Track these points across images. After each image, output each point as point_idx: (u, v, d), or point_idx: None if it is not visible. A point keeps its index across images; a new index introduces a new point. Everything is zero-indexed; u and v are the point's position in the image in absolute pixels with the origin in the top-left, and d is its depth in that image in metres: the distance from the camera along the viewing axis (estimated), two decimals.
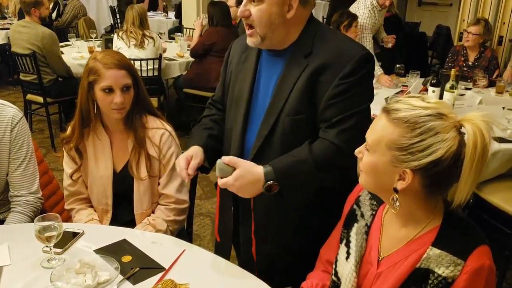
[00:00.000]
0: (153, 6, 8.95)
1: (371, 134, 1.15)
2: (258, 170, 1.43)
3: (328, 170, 1.45)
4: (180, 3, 7.10)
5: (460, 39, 4.87)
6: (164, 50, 4.79)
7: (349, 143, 1.38)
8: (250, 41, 1.52)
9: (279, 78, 1.52)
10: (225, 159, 1.42)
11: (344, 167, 1.47)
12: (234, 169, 1.41)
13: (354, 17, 3.98)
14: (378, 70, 4.01)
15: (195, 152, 1.61)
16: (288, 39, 1.50)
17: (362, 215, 1.32)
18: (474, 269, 1.07)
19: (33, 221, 1.47)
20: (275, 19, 1.44)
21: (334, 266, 1.36)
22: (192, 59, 4.88)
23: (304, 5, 1.47)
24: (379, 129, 1.12)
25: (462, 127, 1.07)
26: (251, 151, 1.55)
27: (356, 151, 1.20)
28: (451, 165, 1.05)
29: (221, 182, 1.42)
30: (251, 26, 1.48)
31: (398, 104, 1.11)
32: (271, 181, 1.41)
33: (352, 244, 1.30)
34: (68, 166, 1.91)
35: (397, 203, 1.13)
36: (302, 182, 1.46)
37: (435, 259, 1.11)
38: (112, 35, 5.09)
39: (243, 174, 1.41)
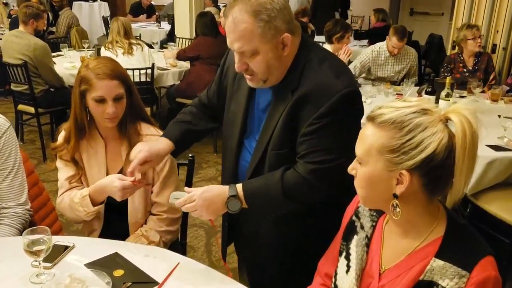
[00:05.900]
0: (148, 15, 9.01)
1: (360, 146, 1.12)
2: (223, 187, 1.48)
3: (295, 201, 1.47)
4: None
5: (453, 47, 4.88)
6: None
7: (321, 178, 1.42)
8: (251, 84, 1.50)
9: (268, 112, 1.52)
10: (188, 189, 1.49)
11: (313, 200, 1.48)
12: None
13: (347, 29, 4.00)
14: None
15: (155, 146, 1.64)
16: (285, 72, 1.47)
17: (362, 227, 1.29)
18: (480, 281, 1.03)
19: (21, 234, 1.43)
20: (273, 63, 1.41)
21: (333, 279, 1.32)
22: (184, 69, 4.96)
23: (294, 34, 1.42)
24: (367, 138, 1.10)
25: (448, 120, 1.06)
26: (246, 179, 1.56)
27: (349, 169, 1.17)
28: (446, 158, 1.04)
29: (186, 196, 1.45)
30: (251, 73, 1.45)
31: (381, 109, 1.10)
32: (234, 196, 1.44)
33: (352, 257, 1.27)
34: (63, 173, 1.86)
35: (398, 209, 1.10)
36: (268, 204, 1.49)
37: (438, 271, 1.08)
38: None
39: (209, 188, 1.46)
